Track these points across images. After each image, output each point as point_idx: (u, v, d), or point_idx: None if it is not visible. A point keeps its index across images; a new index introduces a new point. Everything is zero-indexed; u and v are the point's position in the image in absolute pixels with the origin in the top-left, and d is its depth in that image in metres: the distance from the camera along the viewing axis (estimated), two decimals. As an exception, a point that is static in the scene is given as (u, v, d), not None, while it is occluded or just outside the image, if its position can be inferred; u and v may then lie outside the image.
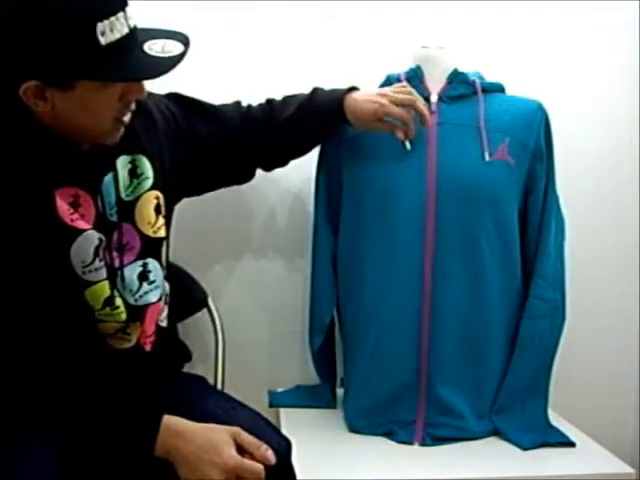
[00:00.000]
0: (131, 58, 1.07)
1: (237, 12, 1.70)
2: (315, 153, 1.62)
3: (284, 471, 1.17)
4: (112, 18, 1.03)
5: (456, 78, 1.53)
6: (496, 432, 1.53)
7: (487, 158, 1.47)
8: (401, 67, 1.56)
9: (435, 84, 1.53)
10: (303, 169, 1.67)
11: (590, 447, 1.49)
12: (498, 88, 1.56)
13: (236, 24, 1.70)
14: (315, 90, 1.50)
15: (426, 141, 1.49)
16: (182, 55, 1.10)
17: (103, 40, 1.02)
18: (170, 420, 1.11)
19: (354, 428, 1.55)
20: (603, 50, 1.82)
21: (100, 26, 1.02)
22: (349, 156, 1.55)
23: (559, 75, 1.80)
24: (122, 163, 1.23)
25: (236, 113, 1.50)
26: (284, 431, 1.27)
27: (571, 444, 1.49)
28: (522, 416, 1.54)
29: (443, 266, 1.48)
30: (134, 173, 1.24)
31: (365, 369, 1.54)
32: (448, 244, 1.47)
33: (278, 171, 1.70)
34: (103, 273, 1.18)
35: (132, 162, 1.24)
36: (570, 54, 1.81)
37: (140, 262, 1.24)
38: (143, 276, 1.24)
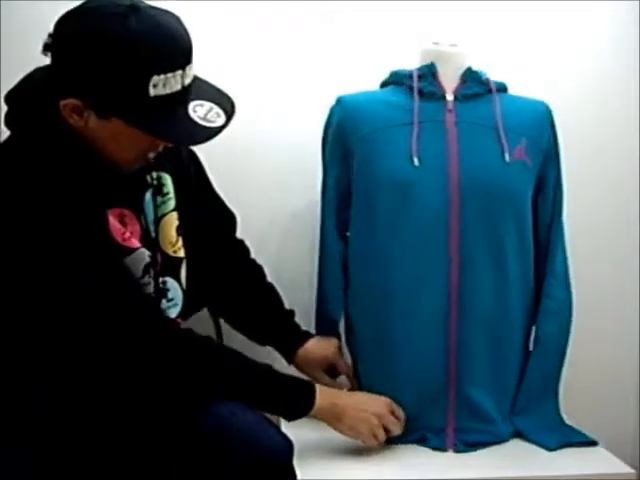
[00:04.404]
0: (171, 116, 1.09)
1: (241, 7, 1.70)
2: (319, 156, 1.61)
3: (285, 472, 1.17)
4: (169, 74, 1.06)
5: (470, 77, 1.51)
6: (517, 434, 1.51)
7: (508, 159, 1.46)
8: (401, 64, 1.55)
9: (449, 82, 1.51)
10: (309, 172, 1.67)
11: (590, 447, 1.48)
12: (502, 87, 1.55)
13: (240, 19, 1.71)
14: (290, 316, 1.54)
15: (446, 140, 1.47)
16: (220, 129, 1.12)
17: (153, 92, 1.06)
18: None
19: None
20: (602, 49, 1.83)
21: (155, 79, 1.05)
22: (364, 155, 1.50)
23: (557, 74, 1.81)
24: (150, 180, 1.27)
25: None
26: (284, 431, 1.27)
27: (593, 443, 1.48)
28: (541, 416, 1.53)
29: (469, 267, 1.45)
30: (160, 191, 1.28)
31: (394, 376, 1.48)
32: (473, 245, 1.45)
33: (281, 173, 1.71)
34: (150, 288, 1.22)
35: (158, 179, 1.28)
36: (568, 53, 1.82)
37: (160, 279, 1.26)
38: (162, 293, 1.26)
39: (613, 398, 1.91)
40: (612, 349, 1.91)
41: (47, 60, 1.14)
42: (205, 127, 1.11)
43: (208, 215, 1.43)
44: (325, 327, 1.60)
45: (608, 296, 1.89)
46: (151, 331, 1.18)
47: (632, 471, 1.39)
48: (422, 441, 1.47)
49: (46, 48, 1.10)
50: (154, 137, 1.12)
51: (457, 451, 1.45)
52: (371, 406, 1.33)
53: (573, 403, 1.60)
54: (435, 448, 1.46)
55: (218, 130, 1.12)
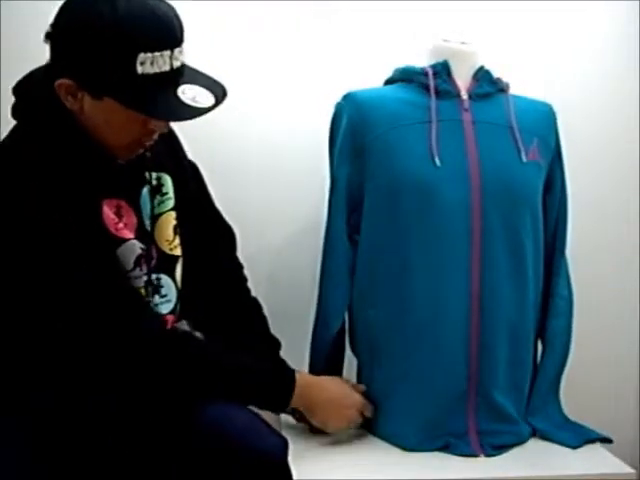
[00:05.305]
0: (159, 95, 1.11)
1: (241, 7, 1.71)
2: (314, 154, 1.61)
3: (280, 470, 1.18)
4: (156, 53, 1.09)
5: (483, 76, 1.50)
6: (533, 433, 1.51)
7: (524, 159, 1.46)
8: (399, 62, 1.54)
9: (462, 81, 1.48)
10: (307, 172, 1.67)
11: (590, 447, 1.48)
12: (507, 87, 1.54)
13: (239, 18, 1.71)
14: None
15: (464, 139, 1.45)
16: (208, 110, 1.14)
17: (140, 69, 1.08)
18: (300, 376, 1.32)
19: (409, 447, 1.44)
20: (602, 49, 1.83)
21: (142, 56, 1.08)
22: (381, 154, 1.45)
23: (557, 74, 1.81)
24: (149, 178, 1.28)
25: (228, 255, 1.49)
26: (284, 431, 1.27)
27: (608, 440, 1.49)
28: (552, 415, 1.53)
29: (490, 268, 1.42)
30: (159, 190, 1.30)
31: (415, 382, 1.45)
32: (494, 246, 1.43)
33: (281, 173, 1.70)
34: (141, 282, 1.23)
35: (158, 179, 1.30)
36: (568, 53, 1.82)
37: (154, 276, 1.26)
38: (155, 289, 1.27)
39: (613, 398, 1.91)
40: (612, 349, 1.91)
41: (47, 57, 1.16)
42: (192, 107, 1.12)
43: (206, 229, 1.42)
44: (321, 332, 1.55)
45: (608, 295, 1.89)
46: (129, 328, 1.17)
47: (632, 471, 1.39)
48: (446, 447, 1.43)
49: (47, 37, 1.13)
50: (140, 113, 1.13)
51: (488, 455, 1.42)
52: (344, 408, 1.38)
53: (573, 403, 1.59)
54: (464, 454, 1.42)
55: (205, 110, 1.13)
